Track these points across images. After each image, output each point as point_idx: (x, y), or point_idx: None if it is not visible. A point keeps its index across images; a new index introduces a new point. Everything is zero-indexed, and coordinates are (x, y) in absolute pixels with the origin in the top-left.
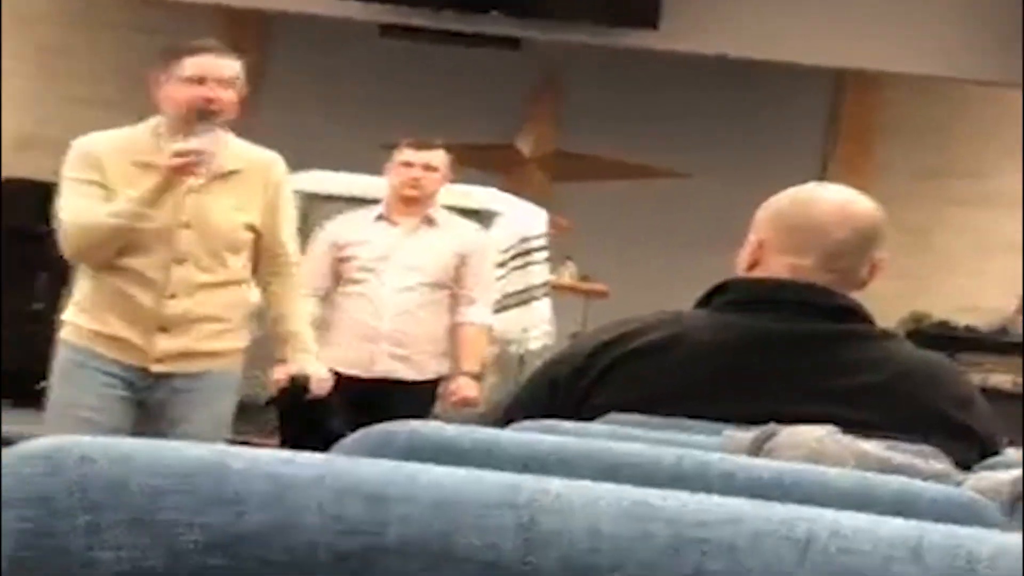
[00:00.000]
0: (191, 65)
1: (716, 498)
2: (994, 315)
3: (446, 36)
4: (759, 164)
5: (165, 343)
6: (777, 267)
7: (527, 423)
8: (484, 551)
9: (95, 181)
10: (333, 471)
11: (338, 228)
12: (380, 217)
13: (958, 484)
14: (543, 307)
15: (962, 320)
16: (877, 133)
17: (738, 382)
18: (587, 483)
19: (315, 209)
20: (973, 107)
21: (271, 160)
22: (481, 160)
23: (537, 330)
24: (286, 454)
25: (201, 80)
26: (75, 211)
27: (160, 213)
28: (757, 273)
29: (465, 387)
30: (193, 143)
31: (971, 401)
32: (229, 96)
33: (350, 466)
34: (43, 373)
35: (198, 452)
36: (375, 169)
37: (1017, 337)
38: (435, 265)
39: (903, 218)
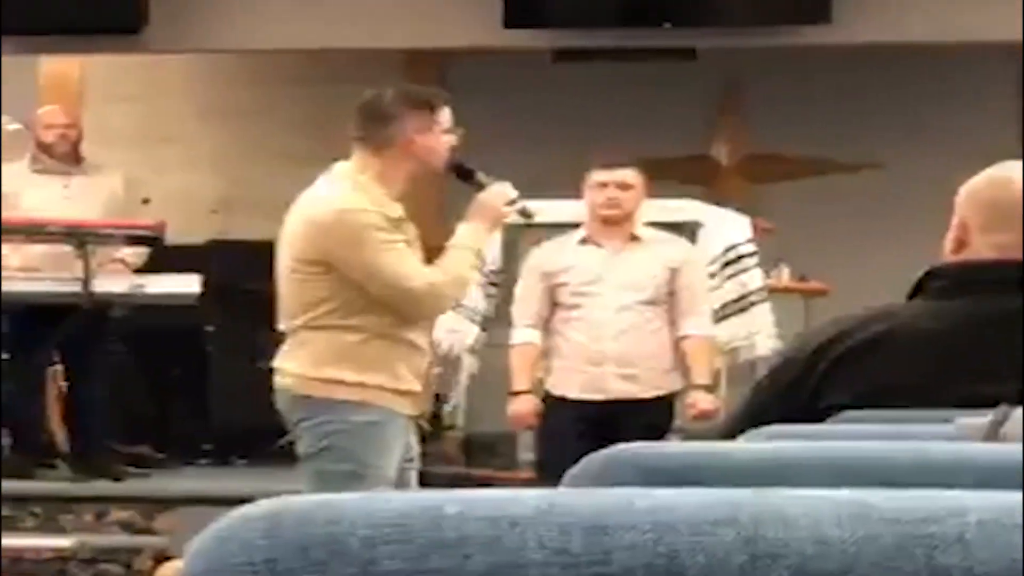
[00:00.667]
0: (446, 115)
1: (939, 492)
2: None
3: (621, 54)
4: (954, 146)
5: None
6: (982, 246)
7: (758, 431)
8: (711, 570)
9: (406, 241)
10: (552, 505)
11: (545, 256)
12: (584, 240)
13: None
14: (763, 312)
15: None
16: None
17: (961, 367)
18: (808, 491)
19: (519, 239)
20: None
21: None
22: (677, 173)
23: (761, 335)
24: (502, 494)
25: (449, 130)
26: (425, 272)
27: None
28: (964, 254)
29: (701, 400)
30: (507, 190)
31: None
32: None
33: (568, 499)
34: (276, 431)
35: (412, 500)
36: (571, 193)
37: None
38: (648, 282)
39: None
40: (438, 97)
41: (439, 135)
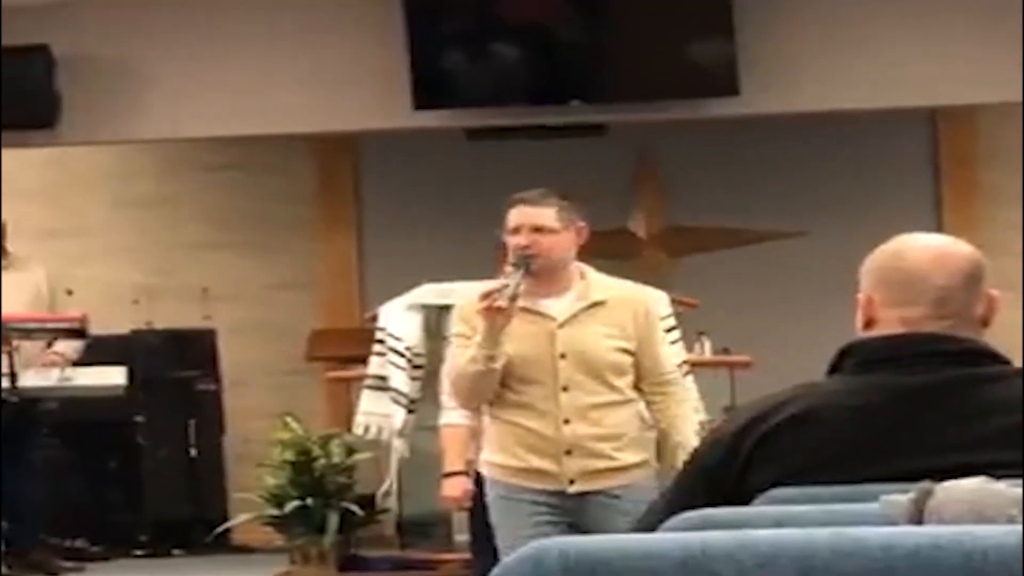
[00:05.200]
0: (511, 217)
1: None
2: None
3: (532, 131)
4: (871, 211)
5: (572, 464)
6: (890, 322)
7: (684, 516)
8: None
9: (462, 332)
10: None
11: None
12: None
13: None
14: (688, 386)
15: None
16: (981, 163)
17: (885, 442)
18: None
19: (441, 320)
20: None
21: (638, 293)
22: (596, 247)
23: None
24: None
25: (517, 230)
26: (453, 365)
27: (502, 350)
28: (875, 331)
29: None
30: (492, 285)
31: None
32: (546, 240)
33: None
34: (211, 521)
35: None
36: (489, 273)
37: None
38: None
39: None
40: (512, 199)
41: (507, 236)
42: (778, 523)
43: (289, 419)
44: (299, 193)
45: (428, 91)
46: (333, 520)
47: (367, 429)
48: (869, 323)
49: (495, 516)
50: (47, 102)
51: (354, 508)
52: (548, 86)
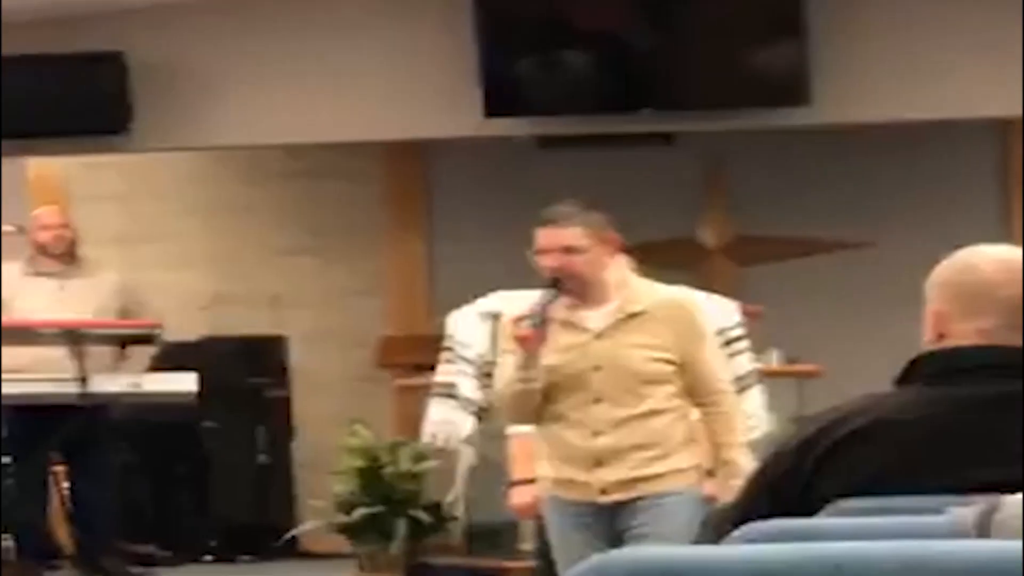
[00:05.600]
0: (538, 238)
1: None
2: None
3: (600, 140)
4: (939, 222)
5: (604, 475)
6: (964, 334)
7: (754, 527)
8: None
9: (506, 349)
10: None
11: None
12: None
13: None
14: (756, 396)
15: None
16: None
17: (953, 454)
18: None
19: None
20: None
21: (681, 302)
22: (664, 256)
23: (754, 419)
24: None
25: (546, 251)
26: (499, 382)
27: (539, 371)
28: (948, 343)
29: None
30: (525, 311)
31: None
32: (575, 260)
33: None
34: (279, 527)
35: None
36: None
37: None
38: None
39: None
40: (540, 218)
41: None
42: (846, 535)
43: (358, 426)
44: (370, 200)
45: (499, 99)
46: (401, 527)
47: (435, 437)
48: (940, 338)
49: (548, 527)
50: (120, 109)
51: (422, 516)
52: (619, 94)
